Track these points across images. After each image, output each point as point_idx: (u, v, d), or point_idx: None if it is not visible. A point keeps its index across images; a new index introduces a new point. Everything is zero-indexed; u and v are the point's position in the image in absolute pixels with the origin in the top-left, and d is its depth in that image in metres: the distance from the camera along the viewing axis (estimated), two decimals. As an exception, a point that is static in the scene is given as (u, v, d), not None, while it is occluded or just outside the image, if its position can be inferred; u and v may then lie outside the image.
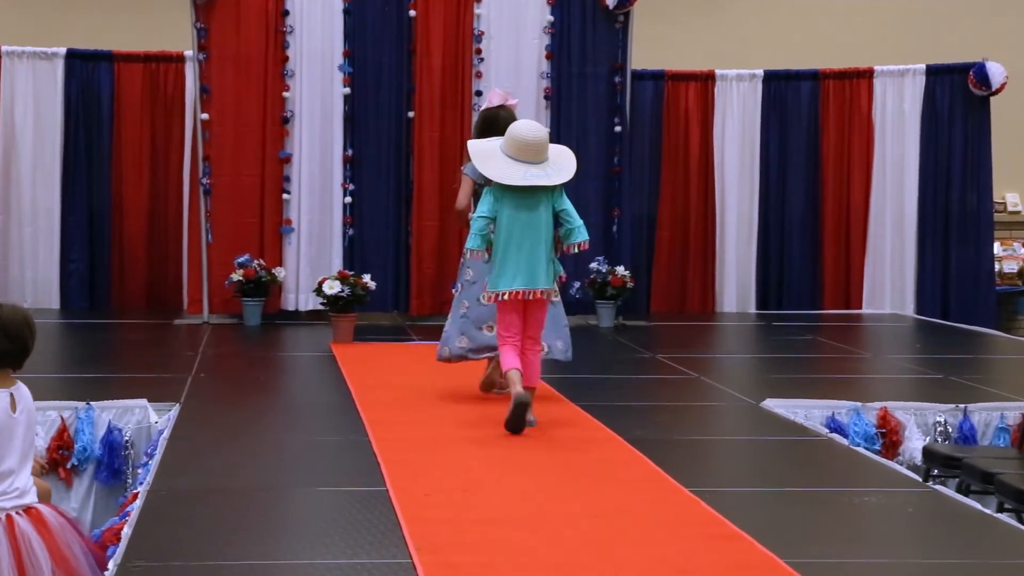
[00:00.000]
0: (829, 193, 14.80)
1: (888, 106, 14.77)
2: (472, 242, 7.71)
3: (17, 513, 5.53)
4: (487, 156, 7.75)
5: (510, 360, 7.62)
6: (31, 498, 5.64)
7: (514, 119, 8.14)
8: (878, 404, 8.63)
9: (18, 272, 13.76)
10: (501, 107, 8.58)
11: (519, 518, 5.80)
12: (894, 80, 14.78)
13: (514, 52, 13.35)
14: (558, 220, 7.77)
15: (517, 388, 7.48)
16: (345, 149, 13.14)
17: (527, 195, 7.63)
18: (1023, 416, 8.46)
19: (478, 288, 8.29)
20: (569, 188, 12.86)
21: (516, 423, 7.44)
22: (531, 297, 7.64)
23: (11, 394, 5.62)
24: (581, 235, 7.74)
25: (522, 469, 6.75)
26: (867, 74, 14.81)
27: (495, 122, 8.36)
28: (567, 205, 7.76)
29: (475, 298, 8.40)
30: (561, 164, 7.74)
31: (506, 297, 7.62)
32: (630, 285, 13.12)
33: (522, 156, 7.63)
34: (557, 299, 8.30)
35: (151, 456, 7.14)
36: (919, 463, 8.00)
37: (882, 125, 14.77)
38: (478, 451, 7.18)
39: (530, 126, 7.79)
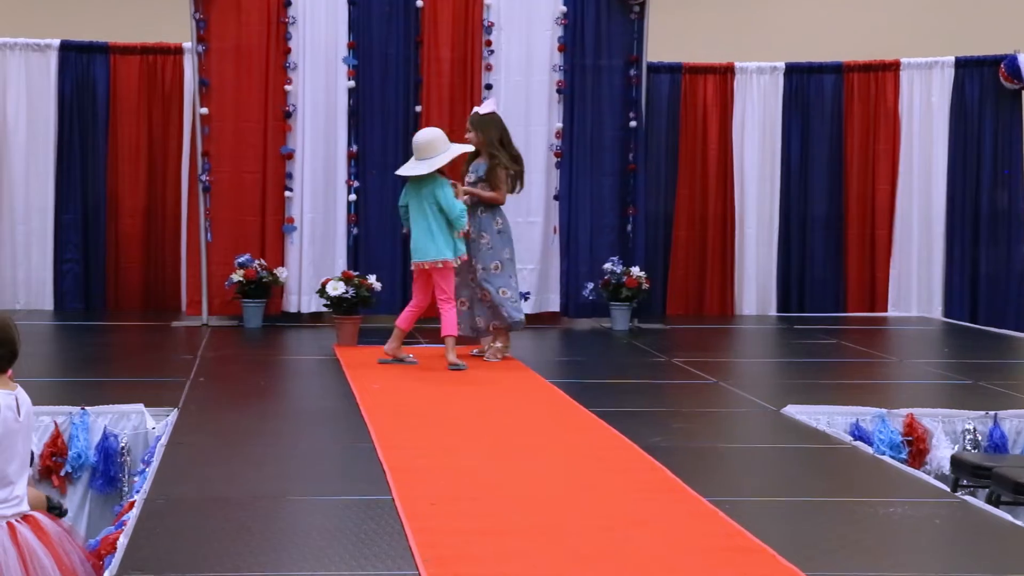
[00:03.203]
0: (853, 191, 14.65)
1: (915, 100, 14.60)
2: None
3: (17, 521, 5.61)
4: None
5: (400, 322, 10.05)
6: (26, 506, 5.74)
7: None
8: (904, 411, 8.55)
9: (10, 272, 13.71)
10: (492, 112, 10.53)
11: (529, 528, 5.75)
12: (922, 73, 14.62)
13: (525, 44, 13.24)
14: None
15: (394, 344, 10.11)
16: (349, 145, 13.03)
17: (419, 185, 9.83)
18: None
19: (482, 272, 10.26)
20: (583, 184, 12.71)
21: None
22: (427, 267, 9.81)
23: (16, 397, 5.70)
24: (458, 225, 9.76)
25: (532, 478, 6.74)
26: (893, 67, 14.65)
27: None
28: (442, 198, 9.76)
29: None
30: (431, 160, 9.77)
31: (412, 267, 9.95)
32: (645, 286, 12.99)
33: (415, 154, 9.89)
34: (494, 287, 10.22)
35: (148, 463, 7.15)
36: (947, 473, 7.90)
37: (909, 120, 14.61)
38: (487, 459, 7.18)
39: (421, 131, 10.09)
